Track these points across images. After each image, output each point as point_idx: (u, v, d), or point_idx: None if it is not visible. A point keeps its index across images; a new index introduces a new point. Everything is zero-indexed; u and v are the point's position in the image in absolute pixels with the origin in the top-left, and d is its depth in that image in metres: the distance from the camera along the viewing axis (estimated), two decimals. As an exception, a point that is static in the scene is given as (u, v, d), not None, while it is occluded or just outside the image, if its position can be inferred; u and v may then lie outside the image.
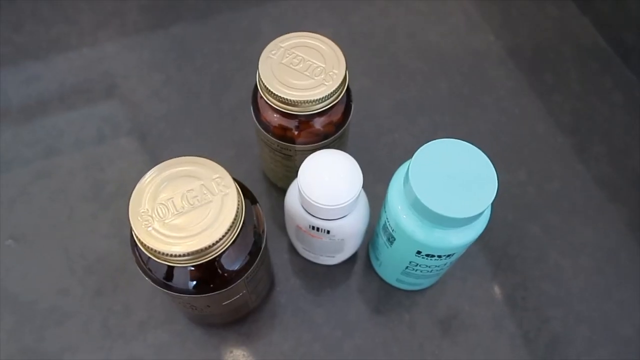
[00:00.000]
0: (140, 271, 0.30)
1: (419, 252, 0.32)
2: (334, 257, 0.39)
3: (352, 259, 0.42)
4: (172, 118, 0.48)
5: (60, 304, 0.40)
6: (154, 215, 0.27)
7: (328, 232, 0.34)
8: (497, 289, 0.41)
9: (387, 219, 0.33)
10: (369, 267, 0.42)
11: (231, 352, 0.38)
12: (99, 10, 0.55)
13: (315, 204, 0.31)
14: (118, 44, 0.53)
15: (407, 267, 0.36)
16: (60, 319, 0.39)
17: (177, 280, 0.29)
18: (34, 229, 0.42)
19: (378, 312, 0.40)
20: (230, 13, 0.55)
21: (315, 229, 0.34)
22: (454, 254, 0.32)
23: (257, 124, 0.37)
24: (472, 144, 0.30)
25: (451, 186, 0.29)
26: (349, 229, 0.34)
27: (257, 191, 0.33)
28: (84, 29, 0.53)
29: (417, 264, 0.34)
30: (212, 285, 0.29)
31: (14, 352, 0.38)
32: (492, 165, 0.30)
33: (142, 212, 0.27)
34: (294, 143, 0.36)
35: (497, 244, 0.43)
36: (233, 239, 0.27)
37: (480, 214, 0.29)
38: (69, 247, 0.42)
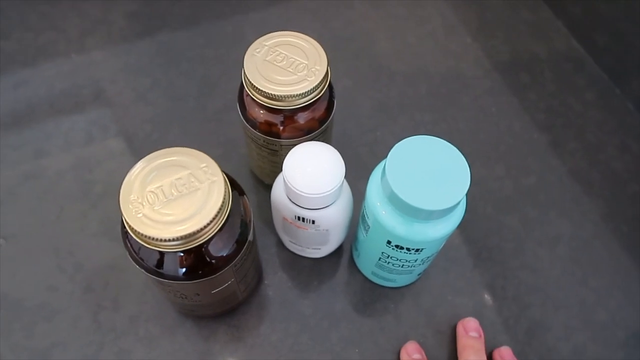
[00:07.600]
0: (132, 261, 0.31)
1: (389, 242, 0.34)
2: (319, 249, 0.40)
3: (338, 252, 0.43)
4: (159, 120, 0.49)
5: (49, 300, 0.40)
6: (144, 203, 0.28)
7: (313, 222, 0.35)
8: (478, 279, 0.43)
9: (365, 207, 0.35)
10: (354, 260, 0.43)
11: (221, 343, 0.39)
12: (86, 18, 0.56)
13: (300, 193, 0.32)
14: (105, 50, 0.54)
15: (379, 259, 0.37)
16: (49, 315, 0.40)
17: (168, 267, 0.30)
18: (23, 229, 0.43)
19: (364, 303, 0.42)
20: (215, 19, 0.56)
21: (301, 219, 0.35)
22: (422, 249, 0.33)
23: (244, 121, 0.38)
24: (451, 141, 0.32)
25: (426, 180, 0.30)
26: (333, 219, 0.36)
27: (245, 188, 0.34)
28: (72, 36, 0.54)
29: (389, 256, 0.35)
30: (201, 272, 0.30)
31: (3, 349, 0.38)
32: (464, 159, 0.31)
33: (133, 199, 0.28)
34: (279, 138, 0.37)
35: (477, 236, 0.45)
36: (220, 225, 0.29)
37: (455, 206, 0.30)
38: (59, 245, 0.42)
